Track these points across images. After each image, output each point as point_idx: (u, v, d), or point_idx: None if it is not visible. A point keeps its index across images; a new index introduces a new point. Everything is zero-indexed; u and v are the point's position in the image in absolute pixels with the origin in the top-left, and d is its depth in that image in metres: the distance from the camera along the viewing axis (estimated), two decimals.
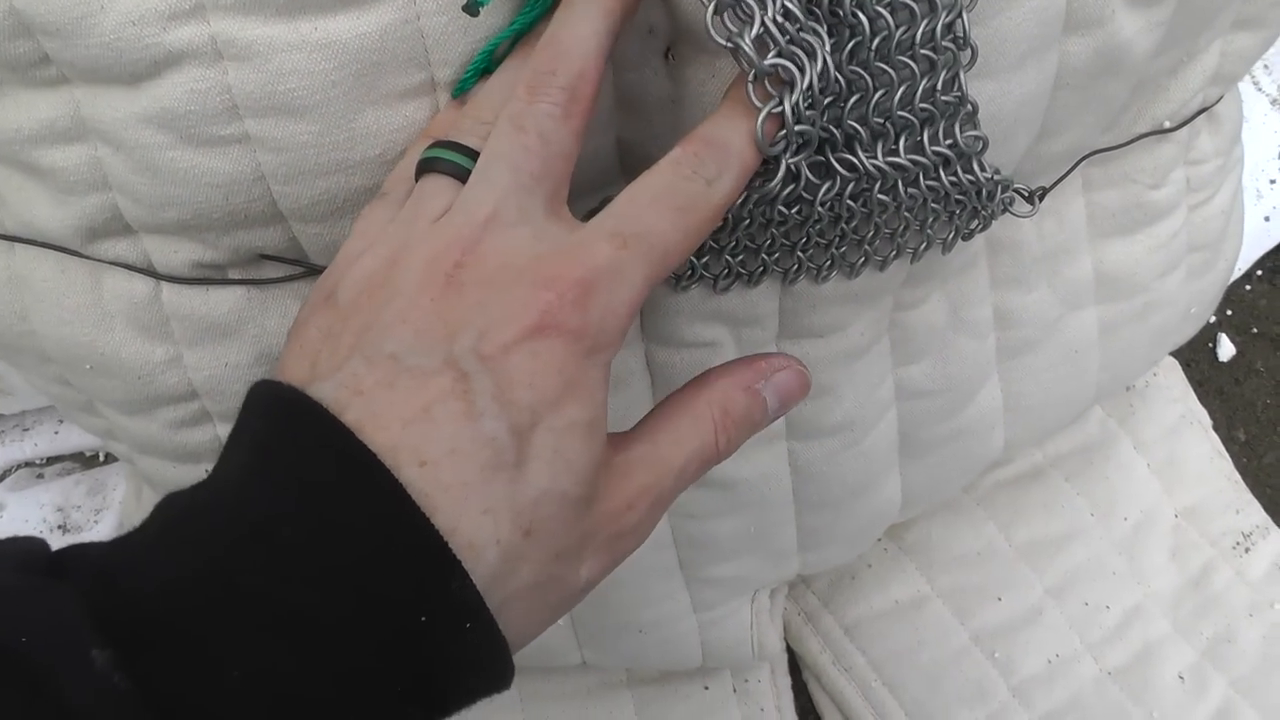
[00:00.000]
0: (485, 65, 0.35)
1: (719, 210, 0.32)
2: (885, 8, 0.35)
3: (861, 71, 0.36)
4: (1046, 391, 0.59)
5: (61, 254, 0.41)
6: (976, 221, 0.45)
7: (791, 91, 0.33)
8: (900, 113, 0.37)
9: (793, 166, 0.35)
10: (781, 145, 0.34)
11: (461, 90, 0.35)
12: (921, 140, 0.38)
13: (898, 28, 0.35)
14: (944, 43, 0.36)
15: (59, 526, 0.74)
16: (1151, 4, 0.43)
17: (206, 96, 0.35)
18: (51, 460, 0.78)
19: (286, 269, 0.41)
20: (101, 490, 0.74)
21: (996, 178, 0.42)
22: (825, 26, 0.34)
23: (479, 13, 0.33)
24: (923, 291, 0.50)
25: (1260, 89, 1.01)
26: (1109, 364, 0.60)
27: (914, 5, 0.35)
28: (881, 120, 0.37)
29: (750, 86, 0.32)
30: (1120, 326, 0.58)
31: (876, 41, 0.35)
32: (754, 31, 0.31)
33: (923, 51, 0.36)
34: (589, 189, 0.39)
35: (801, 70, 0.33)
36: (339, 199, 0.37)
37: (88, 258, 0.41)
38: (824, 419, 0.52)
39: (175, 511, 0.26)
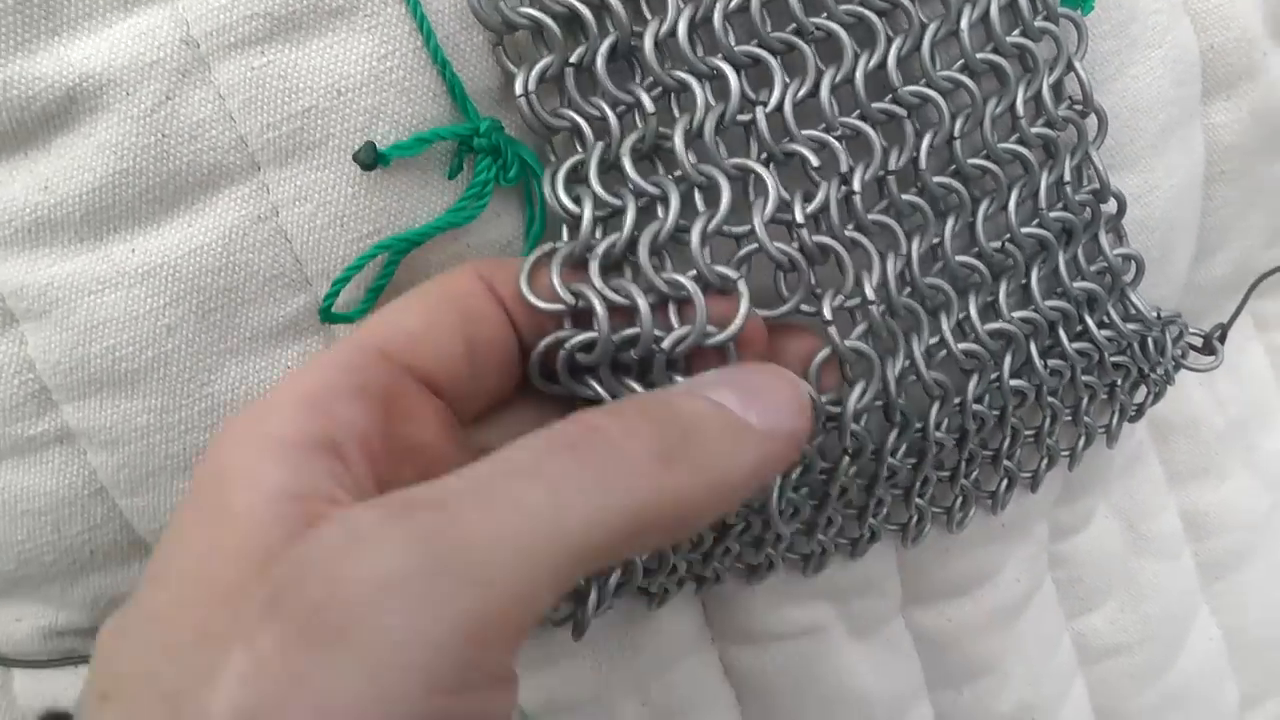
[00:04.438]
0: (386, 274, 0.24)
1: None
2: (962, 71, 0.24)
3: (953, 182, 0.25)
4: None
5: None
6: (1144, 391, 0.32)
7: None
8: (1027, 230, 0.26)
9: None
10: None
11: (328, 316, 0.24)
12: (1057, 268, 0.27)
13: (986, 100, 0.24)
14: (1060, 112, 0.25)
15: None
16: None
17: (1, 382, 0.24)
18: None
19: None
20: None
21: (1164, 316, 0.30)
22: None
23: (375, 165, 0.22)
24: (1083, 507, 0.37)
25: None
26: None
27: (1005, 63, 0.24)
28: (1000, 245, 0.26)
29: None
30: None
31: (959, 123, 0.24)
32: None
33: (1034, 130, 0.25)
34: None
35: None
36: None
37: None
38: (993, 706, 0.37)
39: None
